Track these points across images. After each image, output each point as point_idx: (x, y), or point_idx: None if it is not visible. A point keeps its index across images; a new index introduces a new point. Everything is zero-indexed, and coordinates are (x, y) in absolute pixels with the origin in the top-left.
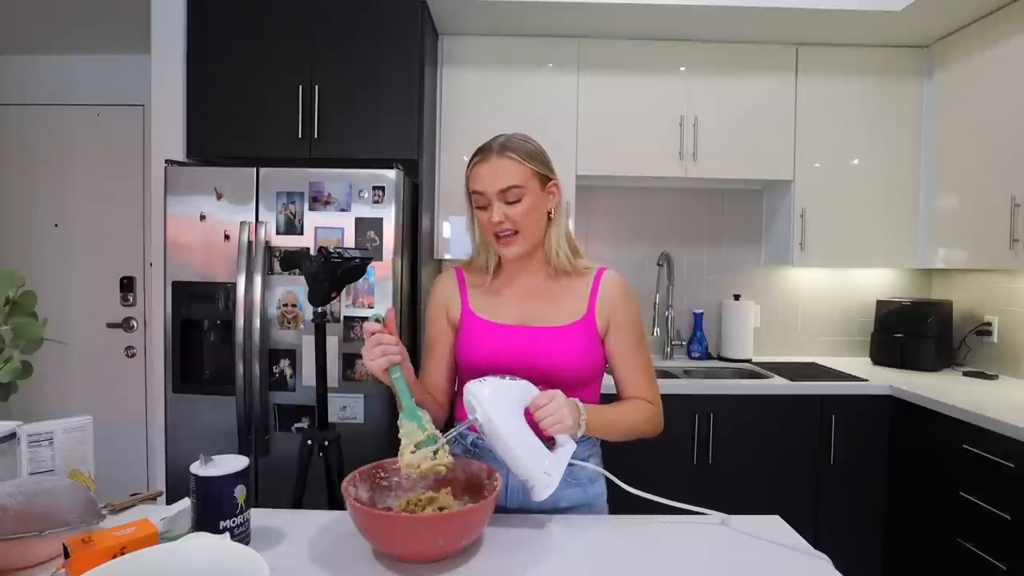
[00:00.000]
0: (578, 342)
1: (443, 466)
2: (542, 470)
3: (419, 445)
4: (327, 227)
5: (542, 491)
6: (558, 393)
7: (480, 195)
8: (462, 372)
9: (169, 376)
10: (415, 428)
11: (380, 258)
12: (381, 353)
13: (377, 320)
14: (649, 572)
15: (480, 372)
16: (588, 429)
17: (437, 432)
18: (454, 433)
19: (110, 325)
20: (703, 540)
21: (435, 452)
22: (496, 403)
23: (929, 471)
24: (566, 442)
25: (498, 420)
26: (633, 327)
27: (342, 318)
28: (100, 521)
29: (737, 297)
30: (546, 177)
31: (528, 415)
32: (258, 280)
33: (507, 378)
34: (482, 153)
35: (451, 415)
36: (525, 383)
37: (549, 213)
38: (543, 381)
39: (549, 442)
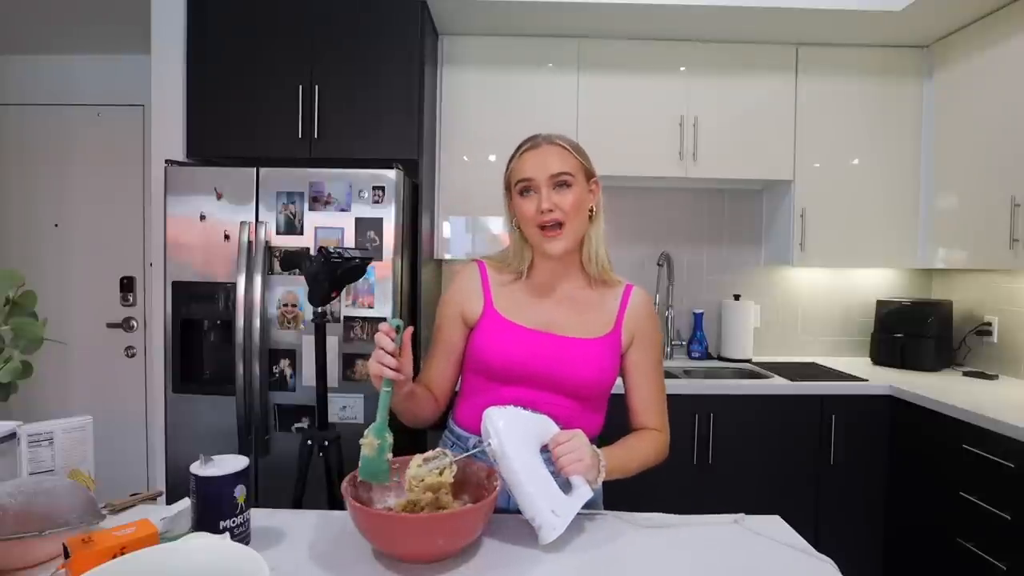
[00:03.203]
0: (602, 357)
1: (446, 484)
2: (550, 508)
3: (428, 459)
4: (327, 227)
5: (548, 532)
6: (579, 433)
7: (528, 181)
8: (472, 370)
9: (169, 376)
10: (377, 446)
11: (380, 258)
12: (377, 361)
13: (397, 329)
14: (652, 572)
15: (493, 372)
16: (607, 473)
17: (447, 451)
18: (465, 456)
19: (110, 325)
20: (708, 540)
21: (441, 471)
22: (513, 433)
23: (929, 471)
24: (581, 486)
25: (512, 450)
26: (656, 347)
27: (342, 318)
28: (100, 521)
29: (737, 297)
30: (589, 173)
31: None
32: (258, 280)
33: (528, 410)
34: (530, 142)
35: (446, 416)
36: (546, 418)
37: (589, 212)
38: (559, 391)
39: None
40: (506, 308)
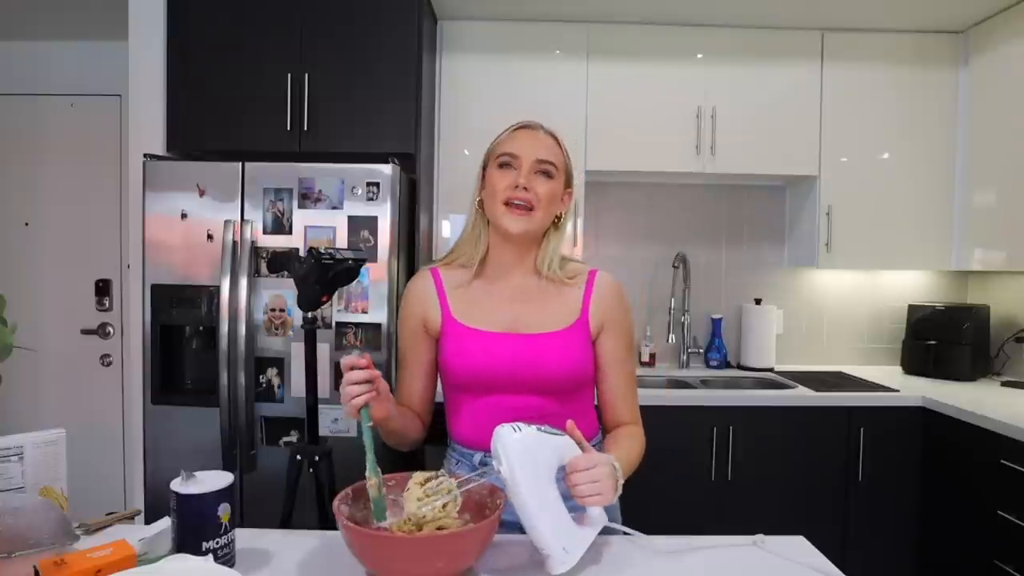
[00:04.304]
0: (573, 348)
1: (451, 519)
2: (562, 545)
3: (428, 492)
4: (317, 226)
5: (557, 566)
6: (601, 457)
7: (512, 157)
8: (446, 385)
9: (148, 386)
10: (377, 484)
11: (375, 259)
12: (349, 396)
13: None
14: None
15: (465, 384)
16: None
17: (452, 481)
18: (472, 485)
19: (85, 331)
20: (726, 564)
21: (445, 505)
22: (526, 458)
23: (965, 488)
24: (597, 516)
25: (523, 478)
26: (627, 333)
27: (334, 324)
28: (74, 542)
29: (758, 301)
30: (568, 179)
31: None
32: (243, 283)
33: (544, 429)
34: (526, 124)
35: (439, 430)
36: (565, 439)
37: (556, 219)
38: (538, 392)
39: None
40: (465, 314)
